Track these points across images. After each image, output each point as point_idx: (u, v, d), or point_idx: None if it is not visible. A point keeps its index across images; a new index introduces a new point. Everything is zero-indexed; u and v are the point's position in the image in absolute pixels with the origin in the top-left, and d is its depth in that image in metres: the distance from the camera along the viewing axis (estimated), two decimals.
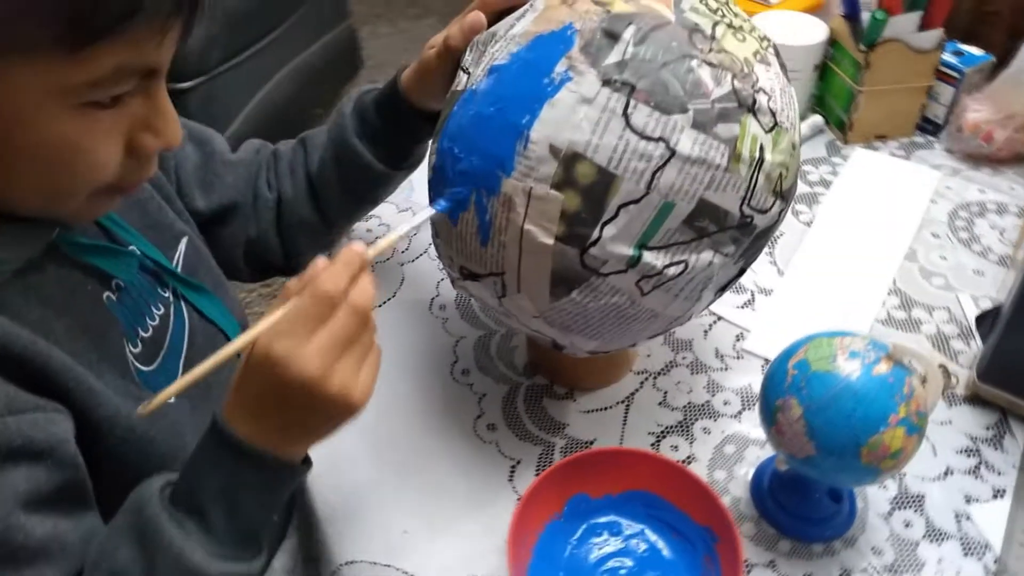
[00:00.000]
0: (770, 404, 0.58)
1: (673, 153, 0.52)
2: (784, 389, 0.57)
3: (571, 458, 0.63)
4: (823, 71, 1.02)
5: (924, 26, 0.93)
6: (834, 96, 1.02)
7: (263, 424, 0.51)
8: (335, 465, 0.68)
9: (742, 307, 0.81)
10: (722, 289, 0.63)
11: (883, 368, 0.55)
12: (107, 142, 0.49)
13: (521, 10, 0.60)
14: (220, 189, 0.76)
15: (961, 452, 0.69)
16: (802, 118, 1.03)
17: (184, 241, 0.70)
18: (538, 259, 0.55)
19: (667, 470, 0.62)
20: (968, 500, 0.66)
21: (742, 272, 0.62)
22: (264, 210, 0.78)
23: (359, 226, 0.90)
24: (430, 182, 0.61)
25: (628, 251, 0.54)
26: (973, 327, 0.77)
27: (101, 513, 0.56)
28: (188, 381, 0.49)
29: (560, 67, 0.53)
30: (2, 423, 0.48)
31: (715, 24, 0.55)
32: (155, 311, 0.63)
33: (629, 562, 0.61)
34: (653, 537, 0.63)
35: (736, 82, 0.54)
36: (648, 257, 0.55)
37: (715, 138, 0.53)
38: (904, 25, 0.93)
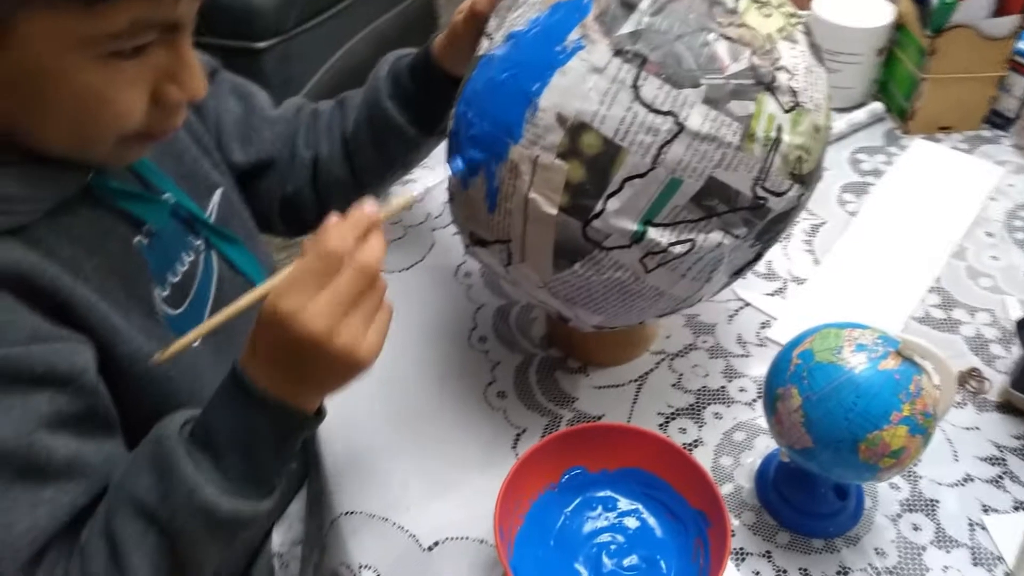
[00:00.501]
0: (772, 392, 0.57)
1: (681, 128, 0.51)
2: (786, 378, 0.55)
3: (572, 429, 0.63)
4: (888, 57, 0.98)
5: (998, 12, 0.88)
6: (897, 83, 0.97)
7: (276, 375, 0.53)
8: (344, 418, 0.70)
9: (772, 294, 0.79)
10: (737, 272, 0.61)
11: (890, 364, 0.53)
12: (131, 91, 0.51)
13: None
14: (258, 143, 0.78)
15: (985, 460, 0.66)
16: (861, 104, 0.99)
17: (218, 192, 0.72)
18: (542, 229, 0.55)
19: (666, 451, 0.62)
20: (985, 510, 0.63)
21: (759, 256, 0.61)
22: (301, 168, 0.80)
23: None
24: (448, 147, 0.61)
25: (632, 226, 0.53)
26: (1015, 331, 0.73)
27: (125, 443, 0.59)
28: (202, 331, 0.52)
29: (574, 35, 0.52)
30: (26, 351, 0.51)
31: None
32: (185, 257, 0.66)
33: (620, 538, 0.61)
34: (647, 516, 0.62)
35: (755, 58, 0.52)
36: (653, 233, 0.54)
37: (728, 115, 0.51)
38: (976, 10, 0.88)
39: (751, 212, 0.55)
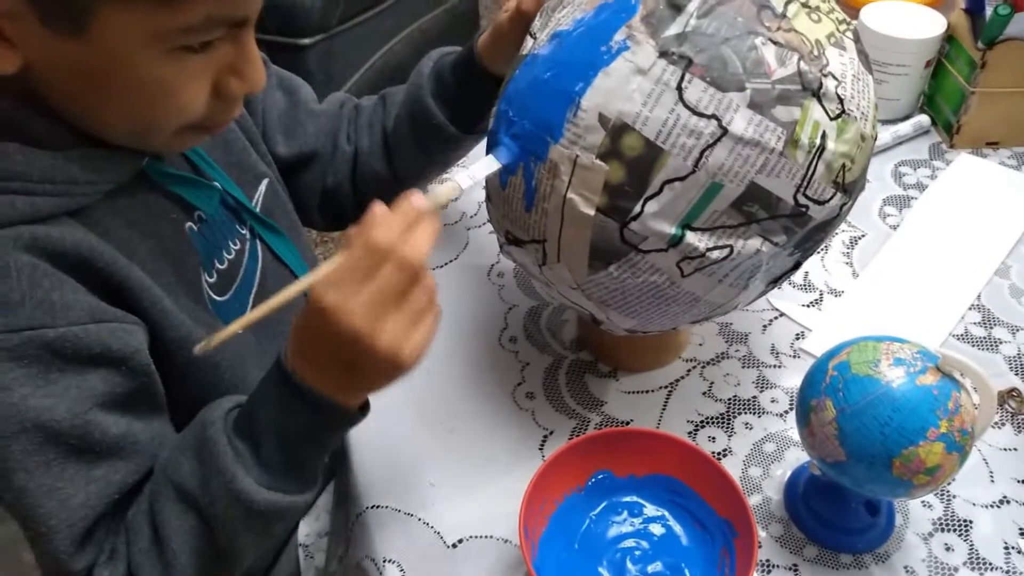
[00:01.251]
0: (805, 404, 0.56)
1: (725, 132, 0.50)
2: (821, 390, 0.54)
3: (600, 433, 0.62)
4: (936, 69, 0.96)
5: None
6: (945, 96, 0.95)
7: (319, 369, 0.52)
8: (374, 412, 0.70)
9: (808, 306, 0.78)
10: (775, 281, 0.61)
11: (929, 379, 0.52)
12: (195, 84, 0.53)
13: None
14: (302, 137, 0.79)
15: (1022, 482, 0.64)
16: (907, 116, 0.98)
17: (264, 183, 0.73)
18: (578, 229, 0.55)
19: (695, 458, 0.61)
20: (1022, 533, 0.62)
21: (798, 266, 0.60)
22: (341, 162, 0.81)
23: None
24: (487, 145, 0.61)
25: (670, 229, 0.53)
26: None
27: (172, 424, 0.60)
28: (245, 322, 0.51)
29: (619, 36, 0.52)
30: (84, 330, 0.52)
31: (787, 2, 0.53)
32: (232, 245, 0.67)
33: (645, 544, 0.61)
34: (672, 523, 0.62)
35: (803, 64, 0.51)
36: (691, 238, 0.53)
37: (772, 120, 0.51)
38: None
39: (791, 220, 0.54)
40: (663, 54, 0.51)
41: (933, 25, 0.94)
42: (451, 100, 0.75)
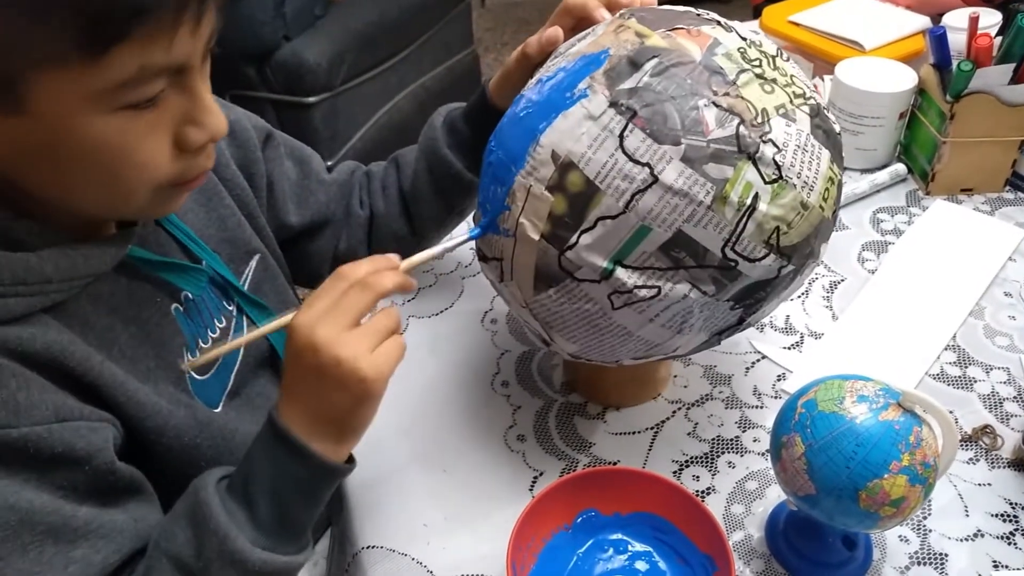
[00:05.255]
0: (777, 440, 0.59)
1: (656, 180, 0.54)
2: (791, 426, 0.57)
3: (586, 471, 0.65)
4: (910, 120, 1.01)
5: (1017, 79, 0.91)
6: (919, 146, 1.00)
7: (303, 413, 0.55)
8: (370, 454, 0.73)
9: (789, 348, 0.81)
10: (719, 334, 0.63)
11: (891, 414, 0.55)
12: (151, 141, 0.52)
13: (585, 32, 0.65)
14: (313, 206, 0.82)
15: (996, 516, 0.66)
16: (885, 165, 1.02)
17: (256, 258, 0.74)
18: (526, 251, 0.59)
19: (677, 496, 0.64)
20: (996, 566, 0.63)
21: (742, 321, 0.62)
22: (355, 227, 0.83)
23: None
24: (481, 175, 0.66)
25: (602, 263, 0.57)
26: None
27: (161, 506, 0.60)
28: (231, 347, 0.56)
29: (583, 84, 0.57)
30: (47, 430, 0.51)
31: (741, 72, 0.57)
32: (217, 324, 0.67)
33: None
34: (657, 559, 0.64)
35: (742, 128, 0.55)
36: (620, 273, 0.57)
37: (703, 175, 0.54)
38: (995, 77, 0.91)
39: (720, 271, 0.57)
40: (613, 104, 0.56)
41: (905, 79, 0.98)
42: (466, 148, 0.78)
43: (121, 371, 0.57)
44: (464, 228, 0.97)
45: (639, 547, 0.65)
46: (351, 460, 0.60)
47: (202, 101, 0.53)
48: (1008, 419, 0.73)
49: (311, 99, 2.00)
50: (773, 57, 0.60)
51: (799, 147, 0.57)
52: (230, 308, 0.69)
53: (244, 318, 0.71)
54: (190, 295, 0.65)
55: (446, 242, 0.64)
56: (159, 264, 0.62)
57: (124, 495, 0.57)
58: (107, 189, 0.53)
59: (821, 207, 0.58)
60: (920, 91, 0.98)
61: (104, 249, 0.57)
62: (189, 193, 0.60)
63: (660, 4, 0.67)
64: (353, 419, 0.57)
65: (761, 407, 0.76)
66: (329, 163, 0.85)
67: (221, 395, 0.67)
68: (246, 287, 0.72)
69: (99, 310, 0.58)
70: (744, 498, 0.69)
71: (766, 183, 0.55)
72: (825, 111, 0.61)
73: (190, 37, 0.49)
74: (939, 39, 0.94)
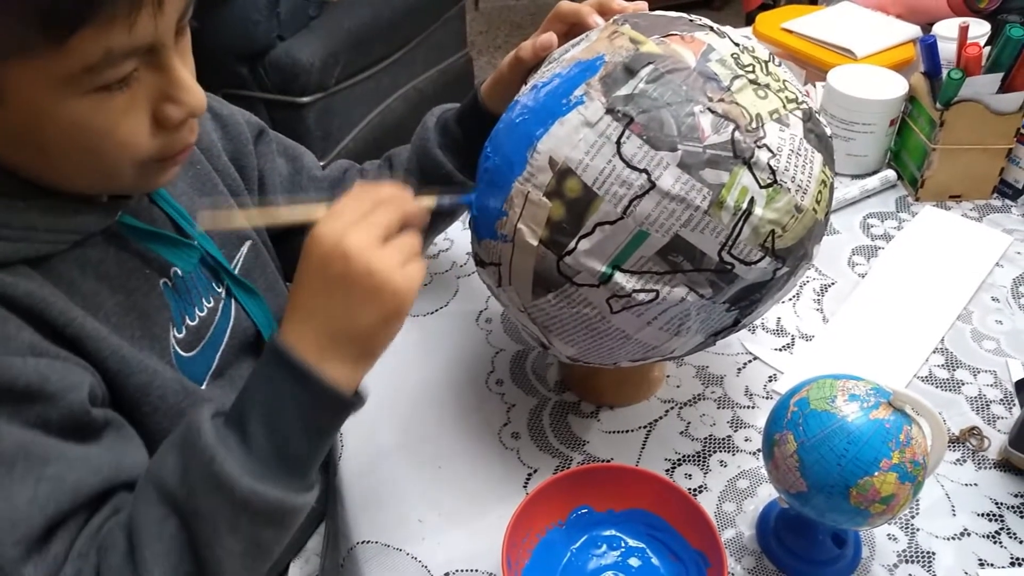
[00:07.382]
0: (770, 438, 0.59)
1: (653, 186, 0.55)
2: (783, 424, 0.58)
3: (580, 468, 0.66)
4: (901, 127, 1.02)
5: (1006, 88, 0.92)
6: (909, 152, 1.01)
7: (311, 328, 0.53)
8: (364, 451, 0.74)
9: (780, 350, 0.82)
10: (715, 335, 0.64)
11: (881, 413, 0.56)
12: (129, 120, 0.52)
13: (579, 38, 0.65)
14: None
15: (983, 515, 0.67)
16: (875, 171, 1.03)
17: (247, 244, 0.75)
18: (524, 257, 0.60)
19: (670, 493, 0.64)
20: (982, 564, 0.65)
21: (737, 323, 0.63)
22: None
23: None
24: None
25: (600, 267, 0.58)
26: (1013, 392, 0.75)
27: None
28: (250, 223, 0.58)
29: (579, 91, 0.58)
30: (22, 361, 0.51)
31: (735, 77, 0.58)
32: (205, 303, 0.67)
33: None
34: (650, 555, 0.65)
35: (737, 133, 0.56)
36: (619, 278, 0.58)
37: (699, 181, 0.55)
38: (984, 85, 0.92)
39: (717, 275, 0.58)
40: (609, 111, 0.56)
41: (895, 87, 1.00)
42: (457, 149, 0.79)
43: (105, 328, 0.57)
44: (459, 226, 0.98)
45: (632, 543, 0.66)
46: (359, 395, 0.56)
47: (178, 78, 0.53)
48: (995, 421, 0.74)
49: (304, 99, 2.00)
50: (766, 62, 0.61)
51: (793, 151, 0.58)
52: (219, 290, 0.69)
53: (232, 301, 0.70)
54: (179, 272, 0.65)
55: (447, 196, 0.64)
56: (150, 235, 0.62)
57: (102, 432, 0.56)
58: (92, 168, 0.54)
59: (814, 210, 0.59)
60: (911, 99, 1.00)
61: (92, 209, 0.58)
62: (179, 167, 0.60)
63: (651, 10, 0.68)
64: (375, 337, 0.55)
65: (752, 407, 0.77)
66: (322, 163, 0.86)
67: (205, 374, 0.66)
68: (236, 271, 0.72)
69: (86, 275, 0.58)
70: (735, 496, 0.70)
71: (761, 187, 0.56)
72: (817, 115, 0.62)
73: (152, 19, 0.49)
74: (929, 48, 0.96)
